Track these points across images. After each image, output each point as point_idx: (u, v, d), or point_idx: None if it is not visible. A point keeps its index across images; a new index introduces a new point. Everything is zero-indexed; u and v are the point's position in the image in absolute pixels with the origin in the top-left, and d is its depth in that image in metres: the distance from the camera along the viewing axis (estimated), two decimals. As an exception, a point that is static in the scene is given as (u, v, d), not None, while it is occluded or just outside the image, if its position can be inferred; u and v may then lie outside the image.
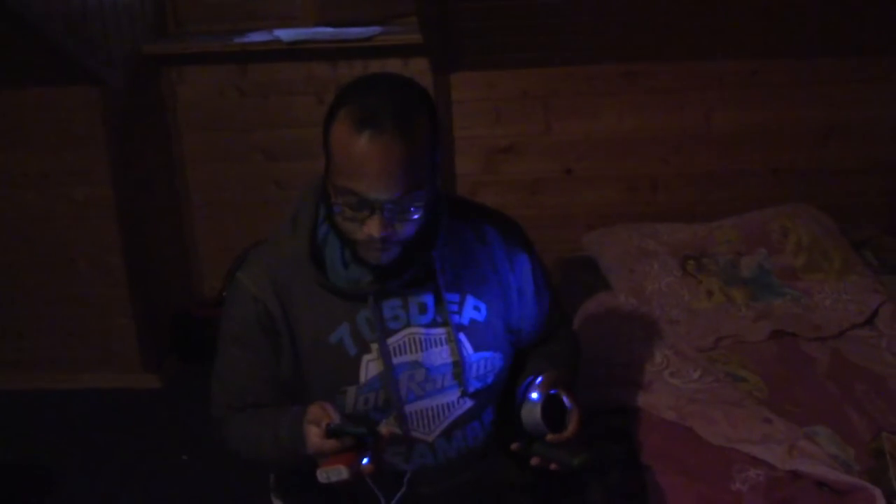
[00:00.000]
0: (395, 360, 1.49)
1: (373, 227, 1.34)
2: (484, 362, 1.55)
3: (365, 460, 1.31)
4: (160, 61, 3.30)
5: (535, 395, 1.46)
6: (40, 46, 2.69)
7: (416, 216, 1.37)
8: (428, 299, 1.51)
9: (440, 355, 1.51)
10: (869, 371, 2.30)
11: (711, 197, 3.26)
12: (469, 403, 1.55)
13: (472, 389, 1.53)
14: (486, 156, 3.26)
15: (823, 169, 3.25)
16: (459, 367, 1.51)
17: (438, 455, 1.54)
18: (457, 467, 1.56)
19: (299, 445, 1.37)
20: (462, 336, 1.52)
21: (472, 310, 1.54)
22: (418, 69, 3.24)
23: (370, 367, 1.48)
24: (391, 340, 1.49)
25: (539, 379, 1.49)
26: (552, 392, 1.46)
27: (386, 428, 1.41)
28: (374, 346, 1.47)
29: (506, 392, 1.61)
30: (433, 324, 1.51)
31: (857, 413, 2.10)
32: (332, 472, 1.30)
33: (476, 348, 1.53)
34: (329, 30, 3.22)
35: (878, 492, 1.74)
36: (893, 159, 3.23)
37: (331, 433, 1.31)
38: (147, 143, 3.25)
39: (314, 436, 1.33)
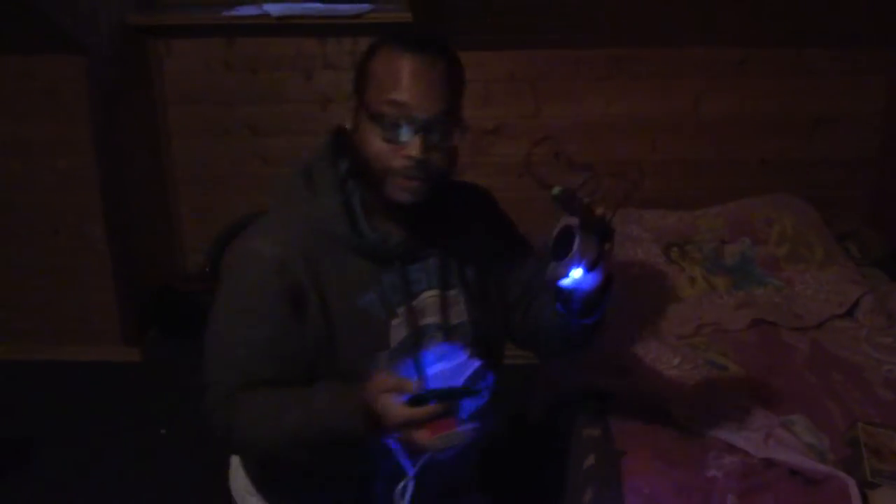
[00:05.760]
0: (420, 323, 1.50)
1: (413, 148, 1.36)
2: (485, 323, 1.58)
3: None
4: (147, 32, 3.26)
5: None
6: (24, 13, 2.66)
7: (450, 144, 1.40)
8: (439, 262, 1.53)
9: (455, 316, 1.54)
10: (847, 362, 2.32)
11: (697, 185, 3.27)
12: (476, 364, 1.53)
13: (479, 349, 1.54)
14: (474, 137, 3.26)
15: (809, 159, 3.26)
16: (469, 327, 1.54)
17: None
18: None
19: (345, 421, 1.31)
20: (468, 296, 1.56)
21: (471, 273, 1.57)
22: (407, 48, 3.23)
23: (397, 331, 1.48)
24: (414, 303, 1.50)
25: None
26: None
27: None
28: (400, 310, 1.48)
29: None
30: (447, 285, 1.54)
31: (833, 403, 2.12)
32: (450, 438, 1.24)
33: (476, 310, 1.56)
34: (319, 5, 3.19)
35: (850, 481, 1.75)
36: (879, 152, 3.24)
37: (428, 396, 1.25)
38: (132, 114, 3.22)
39: (399, 407, 1.26)
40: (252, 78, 3.32)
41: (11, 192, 3.13)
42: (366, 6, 3.15)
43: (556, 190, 1.30)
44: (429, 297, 1.52)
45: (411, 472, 1.36)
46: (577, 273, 1.34)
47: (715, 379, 2.20)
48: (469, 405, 1.35)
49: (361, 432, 1.29)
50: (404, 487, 1.36)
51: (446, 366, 1.44)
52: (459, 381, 1.39)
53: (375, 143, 1.38)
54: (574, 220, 1.32)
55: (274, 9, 3.15)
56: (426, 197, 1.41)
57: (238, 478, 1.72)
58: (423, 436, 1.26)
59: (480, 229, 1.61)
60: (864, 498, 1.73)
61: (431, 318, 1.52)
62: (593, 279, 1.36)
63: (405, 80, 1.36)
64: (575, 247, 1.31)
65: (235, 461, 1.74)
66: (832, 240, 2.84)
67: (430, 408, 1.25)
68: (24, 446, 2.78)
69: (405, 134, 1.37)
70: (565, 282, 1.35)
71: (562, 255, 1.33)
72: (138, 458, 2.75)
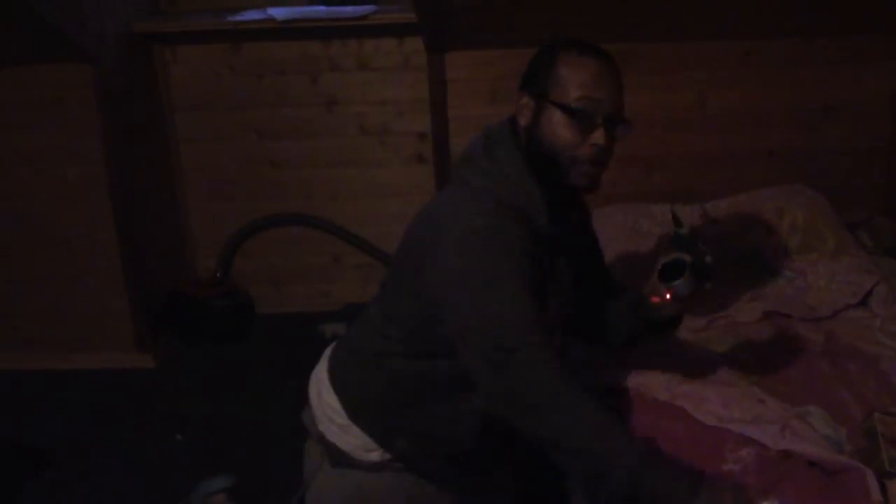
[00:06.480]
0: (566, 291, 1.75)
1: (599, 137, 1.56)
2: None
3: None
4: (153, 39, 3.28)
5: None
6: (31, 22, 2.67)
7: (617, 137, 1.61)
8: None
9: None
10: (862, 352, 2.30)
11: (706, 177, 3.26)
12: None
13: None
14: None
15: (818, 150, 3.25)
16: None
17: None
18: None
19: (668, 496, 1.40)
20: None
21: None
22: (413, 48, 3.23)
23: (554, 297, 1.69)
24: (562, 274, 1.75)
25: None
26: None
27: None
28: (560, 277, 1.72)
29: None
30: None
31: (849, 393, 2.11)
32: None
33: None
34: (323, 8, 3.20)
35: (869, 471, 1.74)
36: (888, 140, 3.23)
37: None
38: (140, 121, 3.23)
39: None
40: (258, 82, 3.33)
41: (22, 203, 3.15)
42: (370, 8, 3.15)
43: (683, 230, 1.72)
44: (565, 268, 1.74)
45: None
46: (669, 297, 1.67)
47: (729, 372, 2.19)
48: None
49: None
50: None
51: None
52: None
53: (566, 133, 1.58)
54: (687, 258, 1.65)
55: (279, 13, 3.16)
56: (598, 184, 1.62)
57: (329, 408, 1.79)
58: None
59: (580, 217, 1.86)
60: (883, 488, 1.73)
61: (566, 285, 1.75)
62: (680, 307, 1.69)
63: (598, 80, 1.58)
64: (682, 280, 1.65)
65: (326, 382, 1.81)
66: (844, 229, 2.83)
67: None
68: (38, 454, 2.80)
69: (596, 123, 1.56)
70: (655, 300, 1.69)
71: (666, 278, 1.67)
72: (154, 465, 2.76)
